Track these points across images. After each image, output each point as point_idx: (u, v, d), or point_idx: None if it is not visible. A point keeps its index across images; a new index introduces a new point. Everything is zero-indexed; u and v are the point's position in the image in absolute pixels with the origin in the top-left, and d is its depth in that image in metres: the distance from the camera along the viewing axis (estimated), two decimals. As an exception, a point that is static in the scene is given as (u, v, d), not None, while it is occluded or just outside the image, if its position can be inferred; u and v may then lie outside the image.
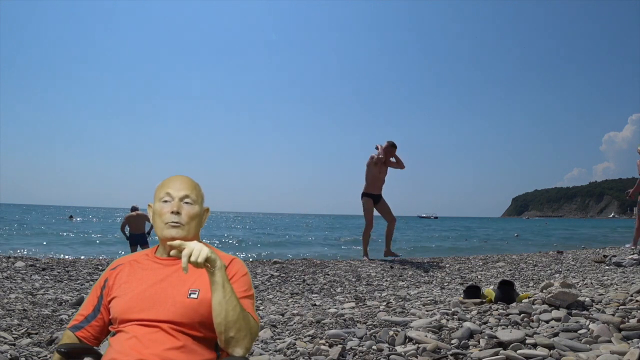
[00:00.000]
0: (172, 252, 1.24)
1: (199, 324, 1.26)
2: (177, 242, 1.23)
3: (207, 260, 1.21)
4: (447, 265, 6.55)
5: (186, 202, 1.38)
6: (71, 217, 42.96)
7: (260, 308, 3.86)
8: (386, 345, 2.46)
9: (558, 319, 2.66)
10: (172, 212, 1.35)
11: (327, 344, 2.53)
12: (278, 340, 2.71)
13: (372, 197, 7.34)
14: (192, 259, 1.19)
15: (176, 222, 1.34)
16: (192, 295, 1.28)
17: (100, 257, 9.11)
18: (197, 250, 1.19)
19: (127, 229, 9.14)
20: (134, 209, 9.14)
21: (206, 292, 1.28)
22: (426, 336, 2.50)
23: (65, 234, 21.95)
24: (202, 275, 1.31)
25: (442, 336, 2.53)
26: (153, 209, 1.40)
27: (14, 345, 2.62)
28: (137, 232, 9.10)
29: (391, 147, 7.32)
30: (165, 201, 1.37)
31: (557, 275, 5.30)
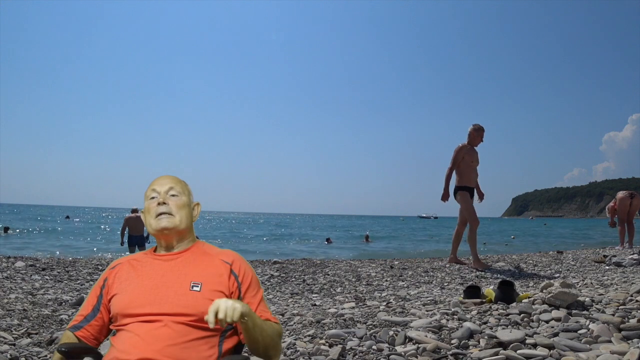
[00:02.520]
0: (209, 318, 1.13)
1: (201, 317, 1.25)
2: (210, 315, 1.13)
3: (242, 315, 1.16)
4: (447, 265, 6.56)
5: (172, 195, 1.42)
6: (67, 217, 42.98)
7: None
8: (386, 345, 2.46)
9: (558, 319, 2.66)
10: (159, 204, 1.39)
11: (327, 344, 2.53)
12: (278, 340, 2.71)
13: (470, 190, 6.22)
14: (229, 319, 1.13)
15: (165, 212, 1.38)
16: (195, 288, 1.29)
17: (100, 257, 9.14)
18: (230, 308, 1.13)
19: (126, 231, 9.25)
20: (134, 211, 9.25)
21: (209, 285, 1.30)
22: (426, 336, 2.50)
23: (62, 234, 21.93)
24: (204, 269, 1.34)
25: (442, 336, 2.53)
26: (144, 210, 1.44)
27: (14, 345, 2.62)
28: (136, 234, 9.18)
29: (479, 131, 6.20)
30: (153, 197, 1.42)
31: (557, 275, 5.30)
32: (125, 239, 9.37)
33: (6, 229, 20.46)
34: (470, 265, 6.15)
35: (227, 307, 1.13)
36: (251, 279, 1.37)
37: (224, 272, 1.34)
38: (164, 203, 1.39)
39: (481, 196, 6.28)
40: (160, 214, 1.37)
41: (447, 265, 6.33)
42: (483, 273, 5.63)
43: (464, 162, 6.15)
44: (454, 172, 6.23)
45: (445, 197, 6.16)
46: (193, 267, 1.34)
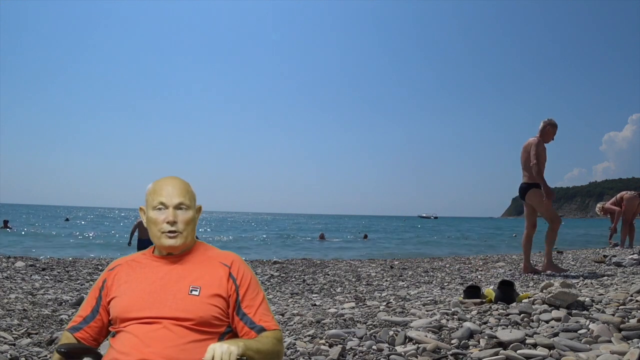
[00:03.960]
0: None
1: (200, 321, 1.26)
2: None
3: (240, 355, 1.17)
4: (447, 265, 6.56)
5: (180, 209, 1.37)
6: (67, 219, 42.96)
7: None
8: (386, 345, 2.46)
9: (558, 319, 2.66)
10: (168, 222, 1.34)
11: (327, 344, 2.53)
12: (278, 340, 2.71)
13: None
14: None
15: (173, 231, 1.34)
16: (194, 292, 1.28)
17: (100, 257, 9.14)
18: (226, 353, 1.14)
19: (136, 234, 9.25)
20: None
21: (207, 289, 1.29)
22: (426, 336, 2.50)
23: (62, 234, 21.93)
24: (203, 272, 1.33)
25: (442, 336, 2.53)
26: (147, 217, 1.38)
27: (14, 345, 2.62)
28: (145, 238, 9.17)
29: (554, 127, 5.40)
30: (160, 209, 1.35)
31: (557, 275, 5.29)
32: (134, 242, 9.35)
33: (5, 222, 20.50)
34: (542, 268, 5.44)
35: (222, 352, 1.14)
36: (250, 282, 1.36)
37: (223, 275, 1.33)
38: (174, 222, 1.34)
39: (550, 194, 5.26)
40: (169, 232, 1.34)
41: (523, 276, 5.23)
42: (484, 273, 5.62)
43: (544, 156, 5.31)
44: (523, 169, 5.40)
45: (551, 194, 5.22)
46: (192, 271, 1.33)
